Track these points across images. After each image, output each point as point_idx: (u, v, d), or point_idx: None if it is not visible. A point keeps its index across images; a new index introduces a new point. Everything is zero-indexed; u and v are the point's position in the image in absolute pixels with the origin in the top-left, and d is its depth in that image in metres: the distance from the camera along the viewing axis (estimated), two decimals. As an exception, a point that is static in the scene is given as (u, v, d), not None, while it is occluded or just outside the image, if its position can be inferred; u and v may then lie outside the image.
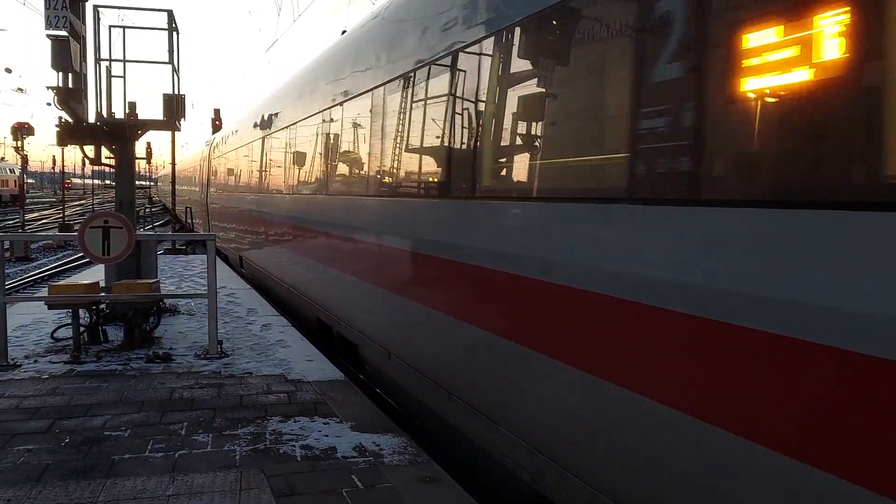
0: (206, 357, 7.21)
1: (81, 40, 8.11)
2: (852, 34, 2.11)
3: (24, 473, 4.25)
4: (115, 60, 8.74)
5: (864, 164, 2.11)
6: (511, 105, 4.18)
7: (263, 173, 12.45)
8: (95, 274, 11.21)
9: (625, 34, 3.07)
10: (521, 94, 4.09)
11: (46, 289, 7.88)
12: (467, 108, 4.59)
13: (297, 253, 9.37)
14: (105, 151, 9.08)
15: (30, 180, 78.74)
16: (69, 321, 7.48)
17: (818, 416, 2.17)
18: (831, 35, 2.17)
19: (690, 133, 2.68)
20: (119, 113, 8.78)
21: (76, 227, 7.28)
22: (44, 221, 36.57)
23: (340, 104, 7.58)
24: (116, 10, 10.29)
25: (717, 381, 2.48)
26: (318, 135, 8.58)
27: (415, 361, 5.34)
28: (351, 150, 7.37)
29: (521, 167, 4.13)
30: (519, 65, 4.03)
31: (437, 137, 5.05)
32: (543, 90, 3.86)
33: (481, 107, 4.41)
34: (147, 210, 37.15)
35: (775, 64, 2.36)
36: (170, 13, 8.94)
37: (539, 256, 3.60)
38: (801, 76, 2.25)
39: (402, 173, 5.89)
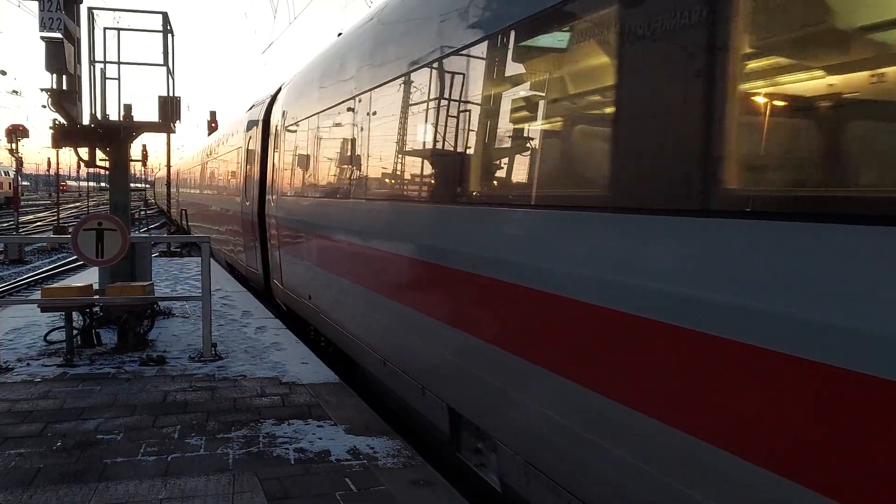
0: (200, 360, 7.19)
1: (76, 42, 8.08)
2: None
3: (16, 477, 4.22)
4: (110, 62, 8.72)
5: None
6: None
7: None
8: (89, 277, 11.16)
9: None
10: None
11: (40, 292, 7.83)
12: None
13: None
14: (100, 154, 9.05)
15: (24, 183, 78.57)
16: (62, 324, 7.45)
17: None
18: None
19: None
20: (114, 115, 8.76)
21: (71, 229, 7.24)
22: (38, 224, 36.45)
23: None
24: (111, 11, 10.29)
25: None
26: None
27: None
28: None
29: None
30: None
31: None
32: None
33: None
34: (143, 213, 37.09)
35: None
36: (165, 15, 8.92)
37: None
38: None
39: None
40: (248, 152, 12.56)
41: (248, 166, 12.45)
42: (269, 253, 10.76)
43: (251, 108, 13.38)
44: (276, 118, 10.62)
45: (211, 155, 19.75)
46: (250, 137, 12.52)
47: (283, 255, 9.63)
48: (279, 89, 11.25)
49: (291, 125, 9.40)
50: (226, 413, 5.53)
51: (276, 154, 10.32)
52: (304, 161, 8.69)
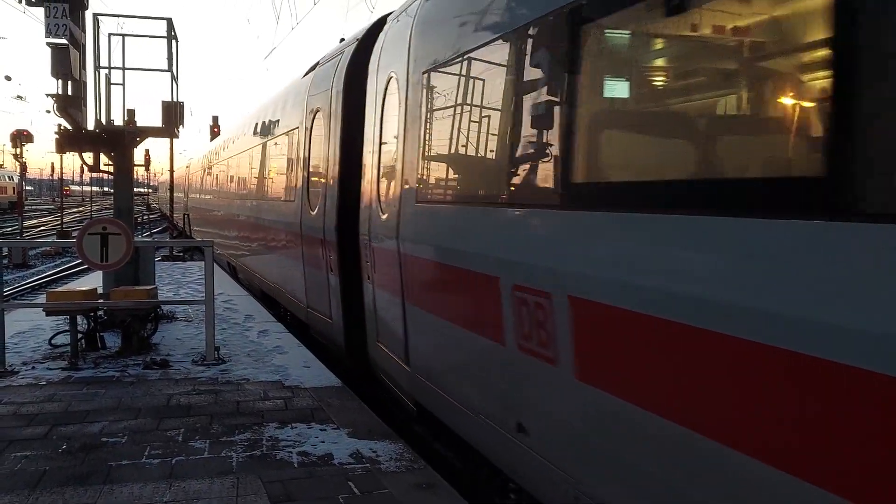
0: (203, 363, 7.22)
1: (81, 48, 8.15)
2: None
3: (22, 480, 4.25)
4: (115, 68, 8.79)
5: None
6: None
7: None
8: (93, 281, 11.21)
9: None
10: None
11: (44, 295, 7.88)
12: None
13: None
14: (104, 158, 9.11)
15: (28, 187, 78.92)
16: (67, 328, 7.50)
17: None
18: None
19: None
20: (118, 120, 8.83)
21: (74, 234, 7.30)
22: (42, 228, 36.57)
23: None
24: (116, 18, 10.32)
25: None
26: None
27: None
28: None
29: None
30: None
31: None
32: None
33: None
34: (145, 217, 37.25)
35: None
36: (169, 21, 8.99)
37: None
38: None
39: None
40: (312, 136, 8.49)
41: (313, 157, 8.40)
42: (367, 297, 6.30)
43: (312, 71, 9.23)
44: (384, 73, 6.06)
45: (237, 148, 14.97)
46: (316, 112, 8.31)
47: (413, 313, 5.11)
48: (377, 24, 7.03)
49: (453, 64, 4.59)
50: (229, 416, 5.57)
51: (391, 131, 5.75)
52: (504, 131, 3.90)
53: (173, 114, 8.94)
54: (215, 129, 31.29)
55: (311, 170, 8.50)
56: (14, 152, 30.00)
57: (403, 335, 5.31)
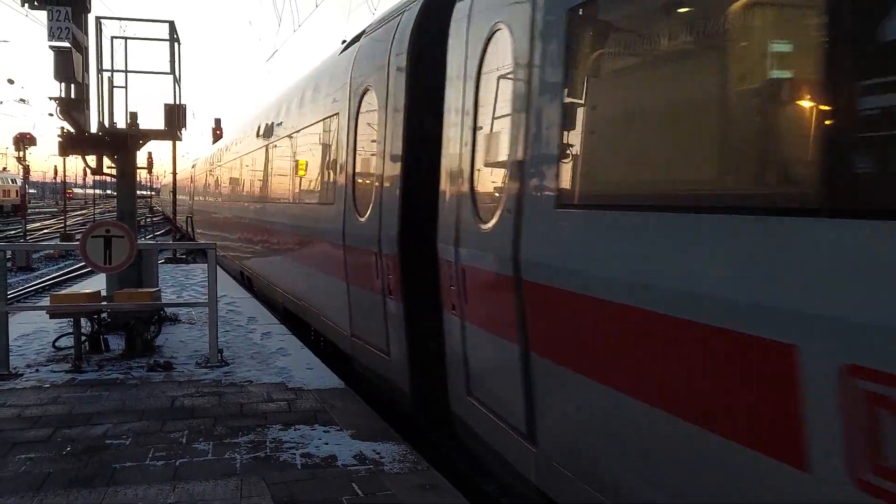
0: (206, 365, 7.23)
1: (84, 51, 8.18)
2: None
3: (26, 482, 4.26)
4: (117, 71, 8.82)
5: None
6: None
7: None
8: (97, 284, 11.24)
9: None
10: None
11: (48, 298, 7.91)
12: None
13: None
14: (107, 161, 9.14)
15: (31, 190, 79.00)
16: (70, 330, 7.51)
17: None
18: None
19: None
20: (121, 123, 8.85)
21: (77, 237, 7.32)
22: (45, 231, 36.64)
23: None
24: (118, 21, 10.38)
25: None
26: None
27: None
28: None
29: None
30: None
31: None
32: None
33: None
34: (148, 220, 37.33)
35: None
36: (171, 24, 9.01)
37: None
38: None
39: None
40: (359, 123, 6.76)
41: (362, 149, 6.74)
42: (451, 334, 4.78)
43: (356, 42, 7.47)
44: (482, 24, 4.41)
45: (255, 144, 13.07)
46: (365, 93, 6.57)
47: (549, 373, 3.48)
48: None
49: None
50: (233, 418, 5.57)
51: (499, 104, 4.20)
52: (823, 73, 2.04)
53: (176, 116, 8.97)
54: (217, 132, 31.43)
55: (358, 165, 6.78)
56: (17, 155, 30.06)
57: (524, 399, 3.71)
